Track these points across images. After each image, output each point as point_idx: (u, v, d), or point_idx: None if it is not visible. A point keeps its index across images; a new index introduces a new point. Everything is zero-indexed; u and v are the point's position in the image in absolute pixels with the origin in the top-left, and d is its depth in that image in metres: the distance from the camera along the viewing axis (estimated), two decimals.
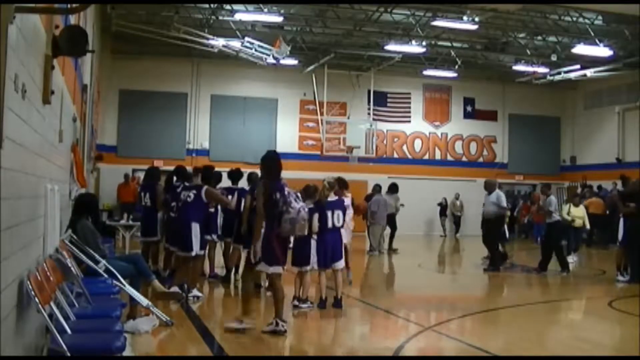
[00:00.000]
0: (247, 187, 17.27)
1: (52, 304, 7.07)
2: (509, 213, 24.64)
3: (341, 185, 15.15)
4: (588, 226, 27.17)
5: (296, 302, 14.13)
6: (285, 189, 11.58)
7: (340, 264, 14.11)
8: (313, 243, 14.01)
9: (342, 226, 14.22)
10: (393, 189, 28.36)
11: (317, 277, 14.13)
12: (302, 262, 14.14)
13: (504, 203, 22.73)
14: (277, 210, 11.31)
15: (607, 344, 12.20)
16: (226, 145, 36.25)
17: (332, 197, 14.04)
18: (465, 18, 28.77)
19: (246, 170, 18.26)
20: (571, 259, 24.91)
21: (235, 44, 31.73)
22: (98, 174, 31.72)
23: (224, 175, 18.17)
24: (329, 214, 13.85)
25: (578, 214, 25.81)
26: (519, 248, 31.24)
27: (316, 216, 13.89)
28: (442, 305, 15.04)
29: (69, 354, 6.30)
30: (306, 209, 11.77)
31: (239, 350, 10.50)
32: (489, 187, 22.89)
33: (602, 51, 31.66)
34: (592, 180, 39.00)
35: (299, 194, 12.05)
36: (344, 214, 14.18)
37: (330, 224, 13.84)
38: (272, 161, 11.98)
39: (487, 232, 22.84)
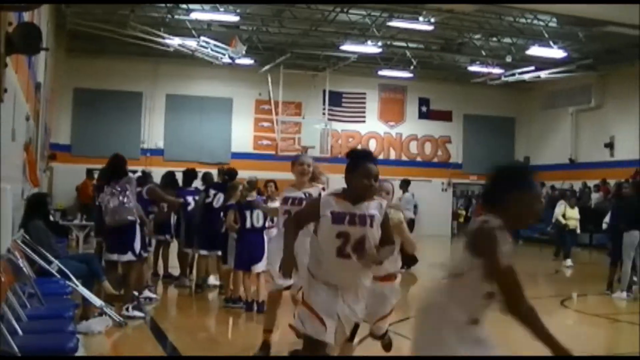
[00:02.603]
0: (200, 187, 17.36)
1: (3, 304, 7.01)
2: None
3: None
4: (578, 230, 26.63)
5: (225, 303, 14.19)
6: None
7: (260, 266, 13.39)
8: (232, 242, 14.01)
9: (264, 227, 13.74)
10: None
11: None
12: (225, 261, 14.29)
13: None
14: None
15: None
16: (181, 145, 36.10)
17: (252, 197, 13.87)
18: (421, 19, 28.87)
19: (200, 170, 18.30)
20: (569, 263, 24.81)
21: (191, 43, 31.58)
22: (51, 173, 31.47)
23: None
24: (247, 214, 13.62)
25: (573, 215, 25.58)
26: None
27: (230, 213, 13.97)
28: (397, 304, 15.06)
29: (19, 355, 6.24)
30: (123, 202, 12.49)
31: (193, 350, 10.47)
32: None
33: (556, 53, 31.93)
34: (544, 180, 39.34)
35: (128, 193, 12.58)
36: (265, 214, 13.64)
37: (249, 224, 13.57)
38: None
39: None
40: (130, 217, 12.50)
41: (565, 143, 39.46)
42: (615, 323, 14.63)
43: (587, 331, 14.08)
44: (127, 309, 12.20)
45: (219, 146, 37.19)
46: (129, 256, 12.44)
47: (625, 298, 17.03)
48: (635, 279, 17.66)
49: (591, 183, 35.23)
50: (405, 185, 24.67)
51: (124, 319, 11.60)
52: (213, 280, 16.66)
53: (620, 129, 35.99)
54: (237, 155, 36.54)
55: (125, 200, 12.55)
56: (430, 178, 39.13)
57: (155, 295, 14.79)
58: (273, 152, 38.11)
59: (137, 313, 12.37)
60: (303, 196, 9.65)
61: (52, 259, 10.56)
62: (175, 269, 17.68)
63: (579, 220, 25.91)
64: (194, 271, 17.31)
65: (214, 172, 18.54)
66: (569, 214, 25.15)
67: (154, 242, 16.32)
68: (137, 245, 12.53)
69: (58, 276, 10.22)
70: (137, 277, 13.24)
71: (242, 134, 38.38)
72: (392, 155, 41.63)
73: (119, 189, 12.60)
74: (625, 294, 17.13)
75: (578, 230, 26.57)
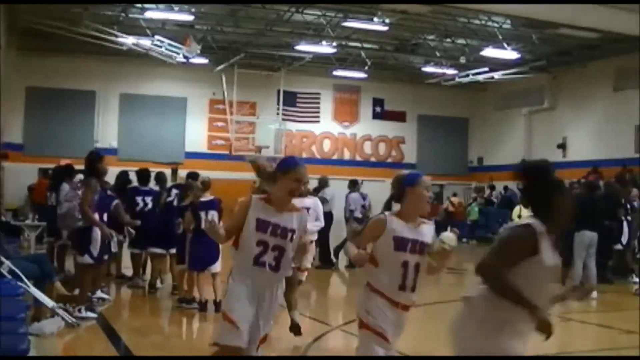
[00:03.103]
0: (155, 187, 17.31)
1: None
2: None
3: None
4: None
5: (178, 303, 14.16)
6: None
7: (215, 267, 13.65)
8: (187, 243, 13.95)
9: None
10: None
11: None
12: (178, 261, 14.29)
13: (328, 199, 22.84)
14: None
15: None
16: (135, 145, 35.86)
17: (206, 197, 13.88)
18: (376, 19, 28.93)
19: (153, 170, 18.24)
20: None
21: (146, 42, 31.39)
22: (3, 172, 31.15)
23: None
24: (202, 214, 13.54)
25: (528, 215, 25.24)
26: None
27: (187, 214, 13.88)
28: (349, 304, 15.09)
29: None
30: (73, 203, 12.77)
31: (146, 351, 10.43)
32: (323, 184, 23.24)
33: (509, 54, 32.18)
34: (498, 181, 39.58)
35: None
36: (220, 214, 13.73)
37: (204, 225, 13.49)
38: None
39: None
40: (75, 224, 12.47)
41: (518, 144, 39.71)
42: (568, 322, 14.76)
43: None
44: (79, 310, 12.10)
45: (173, 146, 36.97)
46: (85, 259, 12.35)
47: None
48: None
49: None
50: (352, 185, 24.96)
51: (77, 320, 11.51)
52: (158, 283, 16.58)
53: (572, 130, 36.36)
54: (191, 155, 36.37)
55: (72, 206, 12.51)
56: (384, 178, 38.79)
57: (107, 296, 14.70)
58: (227, 152, 38.05)
59: (89, 314, 12.28)
60: (288, 226, 6.93)
61: (3, 259, 10.46)
62: (128, 270, 17.59)
63: None
64: (147, 271, 17.24)
65: (168, 171, 18.54)
66: (524, 214, 25.04)
67: None
68: (95, 248, 12.39)
69: (9, 277, 10.12)
70: (93, 279, 13.13)
71: (196, 133, 38.25)
72: (346, 156, 41.68)
73: (77, 190, 12.60)
74: None
75: None
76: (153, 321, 13.63)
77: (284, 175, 6.91)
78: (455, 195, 39.15)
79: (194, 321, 13.25)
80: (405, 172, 7.41)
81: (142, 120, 36.91)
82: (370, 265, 6.76)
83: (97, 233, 12.35)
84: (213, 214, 13.49)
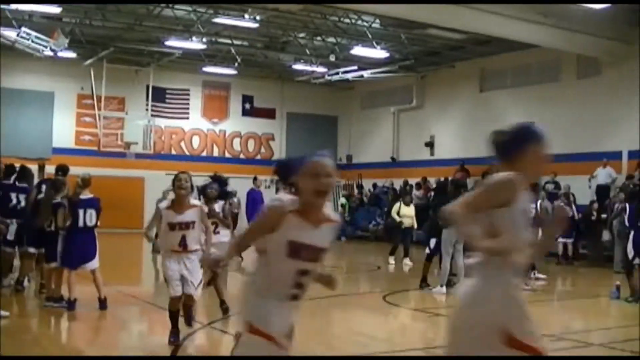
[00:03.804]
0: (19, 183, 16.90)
1: None
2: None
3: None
4: (416, 226, 26.18)
5: (46, 302, 13.92)
6: None
7: (92, 264, 13.58)
8: (60, 241, 13.73)
9: (96, 226, 13.69)
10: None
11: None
12: (49, 259, 14.01)
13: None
14: None
15: (382, 337, 12.53)
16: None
17: (86, 195, 13.61)
18: (246, 16, 28.91)
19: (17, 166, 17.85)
20: (407, 262, 24.57)
21: (11, 34, 30.67)
22: None
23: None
24: (81, 212, 13.38)
25: (408, 213, 25.34)
26: None
27: (62, 211, 13.63)
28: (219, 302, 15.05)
29: None
30: None
31: (14, 352, 10.21)
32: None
33: (378, 53, 32.53)
34: (367, 178, 39.95)
35: None
36: (98, 213, 13.64)
37: (81, 223, 13.37)
38: None
39: None
40: None
41: (387, 142, 40.23)
42: (436, 317, 15.02)
43: (409, 325, 14.49)
44: None
45: (40, 141, 36.26)
46: None
47: (444, 293, 17.51)
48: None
49: (412, 181, 35.96)
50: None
51: None
52: (25, 281, 16.25)
53: (440, 128, 37.02)
54: (58, 151, 35.71)
55: None
56: (254, 175, 39.13)
57: None
58: (95, 148, 37.58)
59: None
60: None
61: None
62: None
63: (414, 217, 25.84)
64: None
65: (34, 167, 18.18)
66: (403, 212, 25.16)
67: None
68: None
69: None
70: None
71: (63, 129, 37.61)
72: (216, 152, 41.61)
73: None
74: (445, 289, 17.61)
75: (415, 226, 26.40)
76: (21, 321, 13.32)
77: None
78: None
79: (63, 320, 13.05)
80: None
81: (8, 114, 36.00)
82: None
83: None
84: (91, 213, 13.34)
